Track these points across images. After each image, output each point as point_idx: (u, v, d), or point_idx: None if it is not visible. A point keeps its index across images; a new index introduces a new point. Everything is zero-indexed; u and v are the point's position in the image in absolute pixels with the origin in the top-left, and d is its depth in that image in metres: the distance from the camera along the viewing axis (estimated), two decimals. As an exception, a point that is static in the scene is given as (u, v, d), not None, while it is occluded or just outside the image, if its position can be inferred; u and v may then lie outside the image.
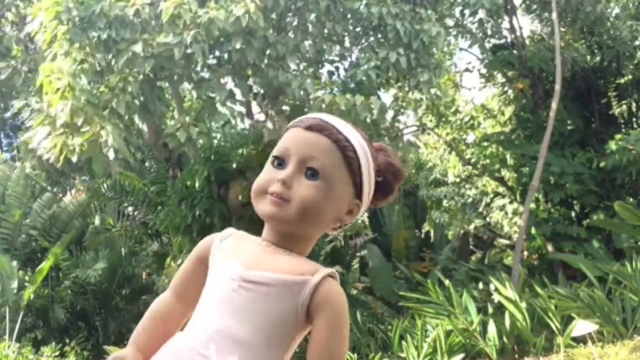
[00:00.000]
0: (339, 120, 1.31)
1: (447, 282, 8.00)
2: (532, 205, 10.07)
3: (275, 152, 1.29)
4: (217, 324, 1.22)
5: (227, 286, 1.24)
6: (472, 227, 13.63)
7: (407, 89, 9.18)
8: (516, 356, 6.91)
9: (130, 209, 11.96)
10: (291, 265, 1.25)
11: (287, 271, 1.23)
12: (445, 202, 13.50)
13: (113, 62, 7.31)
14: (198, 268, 1.33)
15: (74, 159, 7.04)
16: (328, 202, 1.25)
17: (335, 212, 1.28)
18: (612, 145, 9.47)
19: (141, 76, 7.41)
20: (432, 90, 8.34)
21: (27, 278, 10.56)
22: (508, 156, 10.90)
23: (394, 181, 1.35)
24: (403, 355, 7.08)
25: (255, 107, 9.63)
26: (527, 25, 12.68)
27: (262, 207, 1.26)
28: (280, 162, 1.27)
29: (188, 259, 1.37)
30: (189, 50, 7.08)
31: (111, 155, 7.18)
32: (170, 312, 1.33)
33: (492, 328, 6.92)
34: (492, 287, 7.79)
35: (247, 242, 1.32)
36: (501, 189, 12.52)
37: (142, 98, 7.69)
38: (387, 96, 13.05)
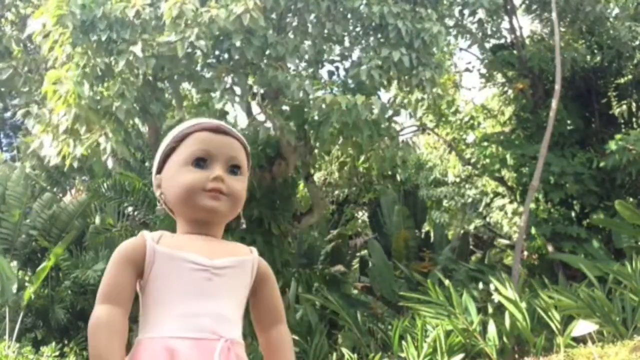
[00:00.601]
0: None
1: (447, 282, 8.01)
2: (532, 205, 10.06)
3: (197, 154, 1.44)
4: (206, 309, 1.36)
5: (200, 276, 1.38)
6: (472, 227, 13.63)
7: (408, 88, 9.14)
8: (516, 356, 6.91)
9: (130, 209, 11.93)
10: (235, 248, 1.49)
11: (238, 253, 1.47)
12: (445, 202, 13.49)
13: (113, 64, 7.30)
14: (131, 271, 1.39)
15: (75, 164, 7.08)
16: (245, 191, 1.50)
17: None
18: (612, 145, 9.46)
19: (141, 77, 7.40)
20: (434, 90, 8.33)
21: (27, 278, 10.55)
22: (508, 156, 10.88)
23: None
24: (403, 355, 7.09)
25: (255, 108, 9.61)
26: (527, 25, 12.69)
27: (204, 202, 1.42)
28: (201, 164, 1.43)
29: (116, 265, 1.39)
30: (189, 49, 7.07)
31: (110, 163, 7.25)
32: (120, 323, 1.33)
33: (492, 328, 6.92)
34: (492, 287, 7.79)
35: (184, 238, 1.45)
36: (501, 189, 12.51)
37: (140, 96, 7.67)
38: (385, 96, 13.05)
